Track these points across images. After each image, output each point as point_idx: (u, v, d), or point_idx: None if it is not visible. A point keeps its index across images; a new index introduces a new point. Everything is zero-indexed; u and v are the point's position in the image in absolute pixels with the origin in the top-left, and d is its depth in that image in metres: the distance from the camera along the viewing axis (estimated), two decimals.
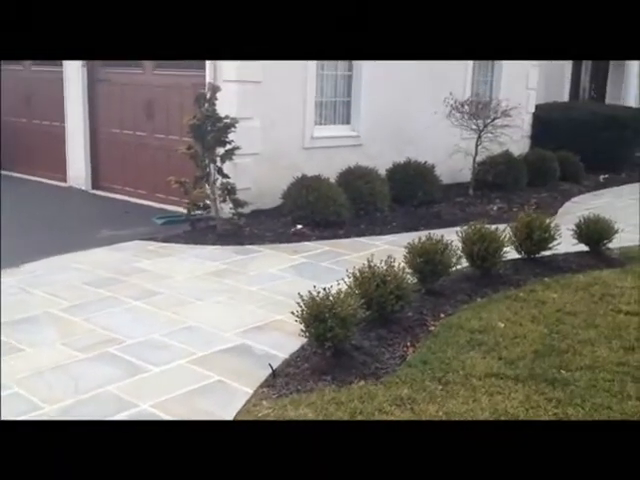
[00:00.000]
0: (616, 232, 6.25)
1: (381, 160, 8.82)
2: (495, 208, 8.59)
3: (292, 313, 3.93)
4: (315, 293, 3.98)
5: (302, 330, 3.92)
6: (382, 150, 9.12)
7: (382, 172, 8.62)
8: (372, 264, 4.59)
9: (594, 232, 6.20)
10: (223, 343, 4.21)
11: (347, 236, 7.11)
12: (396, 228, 7.48)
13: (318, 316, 3.87)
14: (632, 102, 14.01)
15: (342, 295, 4.03)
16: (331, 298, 3.97)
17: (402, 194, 8.49)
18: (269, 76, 7.68)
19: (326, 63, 8.56)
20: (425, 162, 8.86)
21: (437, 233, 6.13)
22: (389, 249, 6.26)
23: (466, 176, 9.65)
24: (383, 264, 4.59)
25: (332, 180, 7.92)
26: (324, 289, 4.02)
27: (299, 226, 7.19)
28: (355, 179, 7.92)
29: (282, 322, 4.52)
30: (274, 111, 7.84)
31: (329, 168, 8.17)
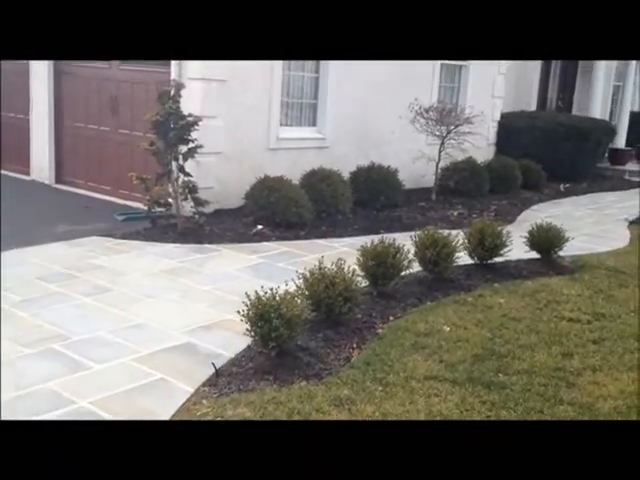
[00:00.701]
0: (566, 240, 6.41)
1: (346, 163, 8.91)
2: (455, 214, 8.73)
3: (238, 312, 3.98)
4: (262, 293, 4.05)
5: (247, 330, 3.97)
6: (348, 153, 9.21)
7: (347, 175, 8.72)
8: (322, 266, 4.66)
9: (545, 240, 6.35)
10: (169, 341, 4.25)
11: (307, 238, 7.18)
12: (357, 231, 7.56)
13: (263, 316, 3.92)
14: (597, 114, 14.30)
15: (289, 296, 4.09)
16: (277, 298, 4.04)
17: (365, 197, 8.59)
18: (235, 75, 7.71)
19: (293, 64, 8.62)
20: (389, 166, 8.96)
21: (397, 237, 6.27)
22: (347, 251, 6.35)
23: (429, 181, 9.79)
24: (334, 266, 4.67)
25: (297, 182, 7.98)
26: (271, 289, 4.07)
27: (260, 226, 7.23)
28: (318, 181, 7.98)
29: (232, 322, 4.55)
30: (239, 111, 7.88)
31: (294, 169, 8.24)
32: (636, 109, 17.30)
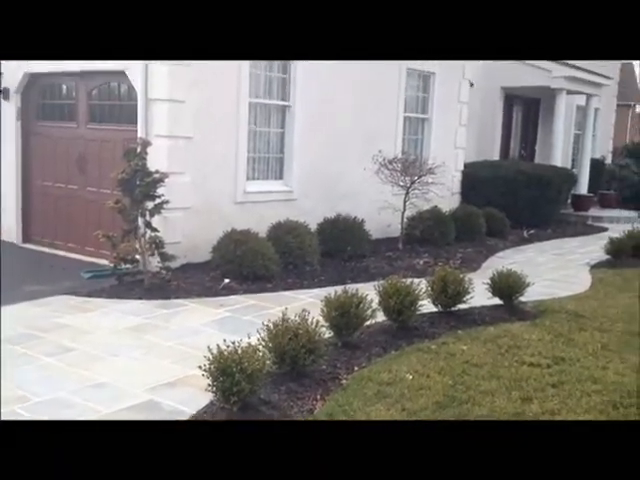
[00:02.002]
0: (527, 286, 6.54)
1: (313, 215, 9.05)
2: (421, 262, 8.87)
3: (199, 367, 3.99)
4: (224, 347, 4.07)
5: (209, 385, 3.98)
6: (315, 205, 9.36)
7: (314, 226, 8.85)
8: (286, 318, 4.71)
9: (506, 286, 6.49)
10: (131, 400, 4.22)
11: (275, 290, 7.22)
12: (324, 282, 7.63)
13: (225, 370, 3.95)
14: (558, 162, 14.72)
15: (251, 349, 4.12)
16: (239, 352, 4.07)
17: (332, 248, 8.70)
18: (201, 131, 7.88)
19: (259, 119, 8.82)
20: (355, 217, 9.12)
21: (364, 286, 6.38)
22: (314, 302, 6.38)
23: (396, 231, 9.96)
24: (297, 317, 4.72)
25: (264, 234, 8.08)
26: (233, 343, 4.10)
27: (227, 280, 7.27)
28: (285, 233, 8.08)
29: (195, 377, 4.53)
30: (206, 166, 8.01)
31: (261, 222, 8.35)
32: (596, 156, 17.88)
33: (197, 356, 4.91)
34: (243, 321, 6.01)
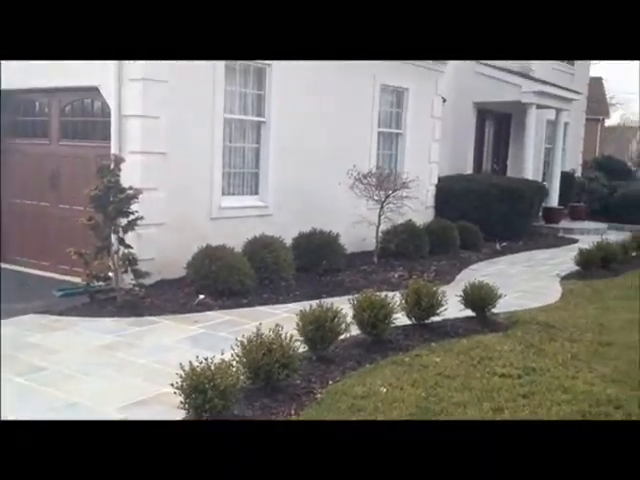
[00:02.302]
0: (499, 297, 6.64)
1: (289, 229, 9.09)
2: (396, 275, 8.94)
3: (171, 385, 3.99)
4: (197, 363, 4.08)
5: (181, 402, 3.98)
6: (290, 220, 9.40)
7: (290, 241, 8.88)
8: (260, 333, 4.72)
9: (479, 298, 6.57)
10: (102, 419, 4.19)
11: (250, 305, 7.23)
12: (299, 296, 7.66)
13: (197, 387, 3.95)
14: (530, 175, 14.96)
15: (224, 365, 4.13)
16: (212, 368, 4.07)
17: (307, 263, 8.74)
18: (175, 147, 7.89)
19: (234, 135, 8.87)
20: (330, 231, 9.17)
21: (339, 300, 6.42)
22: (289, 317, 6.39)
23: (371, 245, 10.03)
24: (272, 333, 4.73)
25: (239, 250, 8.08)
26: (205, 359, 4.11)
27: (202, 296, 7.25)
28: (260, 248, 8.10)
29: (168, 395, 4.50)
30: (181, 182, 8.01)
31: (237, 238, 8.35)
32: (567, 170, 18.21)
33: (170, 373, 4.88)
34: (218, 337, 6.01)
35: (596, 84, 30.81)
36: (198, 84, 8.06)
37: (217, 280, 7.31)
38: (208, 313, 6.83)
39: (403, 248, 10.03)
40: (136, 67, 7.43)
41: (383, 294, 6.03)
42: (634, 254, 11.50)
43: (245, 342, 4.65)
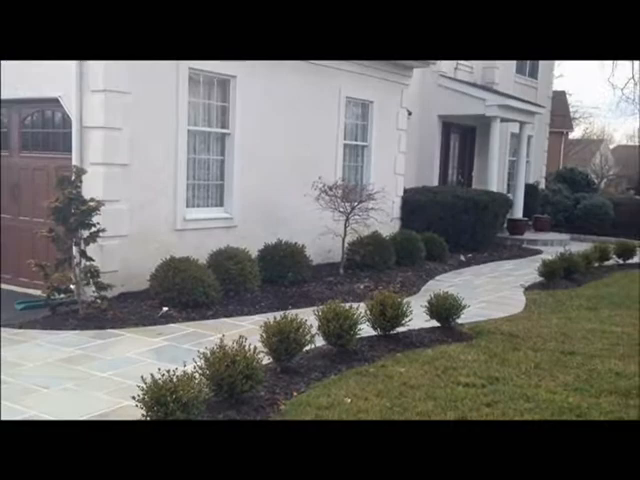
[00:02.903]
0: (464, 308, 6.68)
1: (254, 241, 9.06)
2: (362, 287, 8.95)
3: (133, 398, 3.91)
4: (159, 376, 4.01)
5: (143, 415, 3.90)
6: (256, 231, 9.37)
7: (255, 253, 8.84)
8: (223, 345, 4.67)
9: (444, 309, 6.61)
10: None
11: (215, 317, 7.17)
12: (265, 308, 7.62)
13: (159, 400, 3.88)
14: (494, 187, 15.16)
15: (186, 377, 4.07)
16: (175, 380, 4.01)
17: (273, 274, 8.70)
18: (138, 159, 7.81)
19: (198, 147, 8.81)
20: (296, 243, 9.15)
21: (305, 312, 6.39)
22: (254, 329, 6.35)
23: (337, 256, 10.04)
24: (235, 344, 4.69)
25: (204, 261, 8.02)
26: (167, 372, 4.04)
27: (166, 308, 7.17)
28: (225, 260, 8.05)
29: (130, 408, 4.44)
30: (144, 193, 7.92)
31: (202, 249, 8.30)
32: (531, 182, 18.51)
33: (132, 386, 4.81)
34: (182, 349, 5.93)
35: (560, 98, 31.50)
36: (161, 95, 8.01)
37: (181, 292, 7.23)
38: (172, 325, 6.75)
39: (369, 259, 10.05)
40: (97, 78, 7.35)
41: (348, 305, 6.03)
42: (596, 265, 11.72)
43: (208, 354, 4.60)
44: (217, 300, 7.52)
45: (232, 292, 7.93)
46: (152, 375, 4.00)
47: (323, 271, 9.75)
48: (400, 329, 6.40)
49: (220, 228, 9.01)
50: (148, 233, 8.02)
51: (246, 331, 6.31)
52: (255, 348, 4.80)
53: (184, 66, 8.18)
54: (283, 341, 5.27)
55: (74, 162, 7.40)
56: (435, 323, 6.77)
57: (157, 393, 3.91)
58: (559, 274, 10.06)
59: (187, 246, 8.28)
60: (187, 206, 8.62)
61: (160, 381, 3.99)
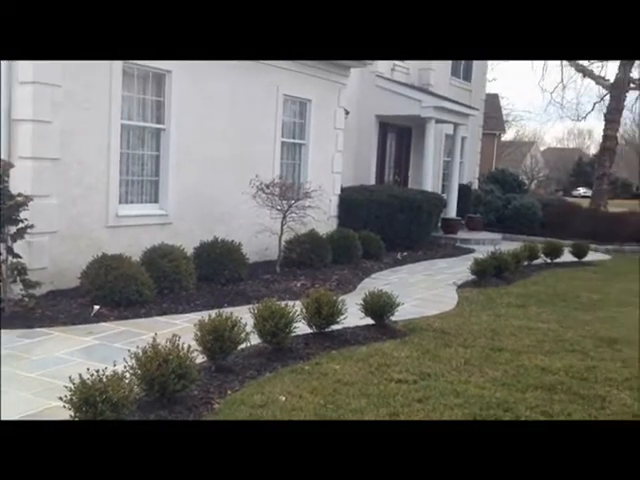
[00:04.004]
0: (398, 305, 6.80)
1: (191, 238, 8.95)
2: (298, 285, 8.97)
3: (60, 399, 3.81)
4: (88, 376, 3.92)
5: (71, 416, 3.81)
6: (192, 229, 9.26)
7: (191, 250, 8.74)
8: (155, 343, 4.60)
9: (378, 306, 6.70)
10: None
11: (148, 315, 7.04)
12: (200, 306, 7.53)
13: (88, 400, 3.80)
14: (429, 187, 15.47)
15: (116, 377, 3.99)
16: (104, 380, 3.93)
17: (209, 272, 8.62)
18: (70, 153, 7.59)
19: (132, 142, 8.64)
20: (232, 241, 9.09)
21: (241, 310, 6.35)
22: (188, 327, 6.28)
23: (274, 254, 10.03)
24: (168, 343, 4.63)
25: (138, 259, 7.87)
26: (97, 371, 3.96)
27: (97, 307, 6.99)
28: (159, 257, 7.92)
29: (58, 409, 4.32)
30: (75, 188, 7.71)
31: (136, 247, 8.14)
32: (464, 182, 18.97)
33: (61, 387, 4.69)
34: (113, 349, 5.80)
35: (493, 100, 32.39)
36: (94, 89, 7.80)
37: (113, 290, 7.08)
38: (103, 324, 6.60)
39: (306, 257, 10.09)
40: (27, 69, 7.10)
41: (284, 303, 6.03)
42: (525, 263, 12.11)
43: (140, 353, 4.52)
44: (151, 298, 7.39)
45: (167, 290, 7.81)
46: (81, 375, 3.90)
47: (260, 269, 9.73)
48: (335, 327, 6.45)
49: (155, 225, 8.86)
50: (79, 229, 7.81)
51: (180, 330, 6.23)
52: (189, 347, 4.75)
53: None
54: (218, 339, 5.23)
55: (2, 156, 7.12)
56: (370, 321, 6.86)
57: (86, 393, 3.82)
58: (490, 272, 10.35)
59: (120, 243, 8.11)
60: (120, 202, 8.43)
61: (89, 381, 3.90)
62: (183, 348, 4.64)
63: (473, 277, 10.30)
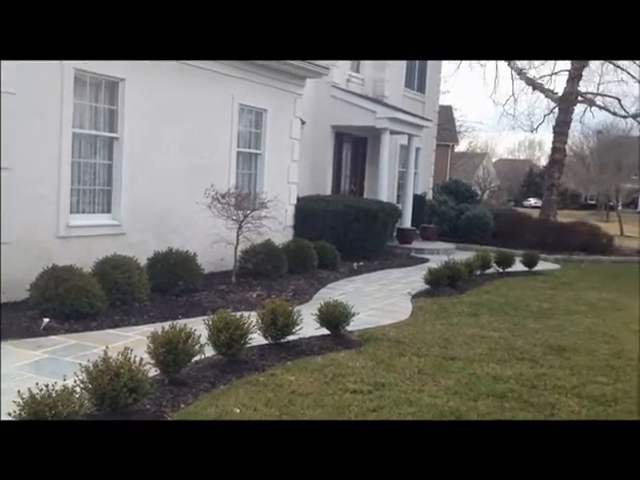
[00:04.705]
0: (353, 315, 6.84)
1: (145, 249, 8.84)
2: (254, 295, 8.93)
3: (9, 414, 3.71)
4: (37, 391, 3.83)
5: None
6: (145, 239, 9.14)
7: (145, 261, 8.62)
8: (107, 357, 4.52)
9: (333, 316, 6.73)
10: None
11: (100, 328, 6.91)
12: (153, 318, 7.43)
13: (37, 415, 3.71)
14: (384, 197, 15.62)
15: (66, 392, 3.91)
16: (54, 395, 3.85)
17: (163, 283, 8.52)
18: (19, 162, 7.41)
19: (84, 150, 8.49)
20: (187, 251, 9.01)
21: (196, 321, 6.29)
22: (141, 340, 6.18)
23: (230, 264, 9.97)
24: (120, 356, 4.55)
25: (89, 270, 7.72)
26: (46, 386, 3.87)
27: (47, 319, 6.83)
28: (112, 269, 7.79)
29: None
30: (24, 198, 7.53)
31: (88, 258, 7.99)
32: (419, 192, 19.22)
33: (8, 402, 4.57)
34: (63, 362, 5.68)
35: (446, 112, 32.97)
36: (45, 96, 7.66)
37: (64, 302, 6.93)
38: (53, 337, 6.45)
39: (262, 268, 10.06)
40: None
41: (240, 314, 6.01)
42: (478, 273, 12.33)
43: (91, 367, 4.44)
44: (102, 310, 7.26)
45: (119, 302, 7.68)
46: (29, 390, 3.80)
47: (215, 279, 9.66)
48: (291, 337, 6.45)
49: (107, 235, 8.72)
50: (29, 240, 7.63)
51: (133, 342, 6.14)
52: (141, 360, 4.68)
53: (69, 67, 7.86)
54: (171, 352, 5.17)
55: None
56: (326, 331, 6.88)
57: (34, 408, 3.74)
58: (443, 282, 10.50)
59: (71, 254, 7.95)
60: (72, 212, 8.28)
61: (38, 396, 3.81)
62: (135, 361, 4.57)
63: (427, 287, 10.42)
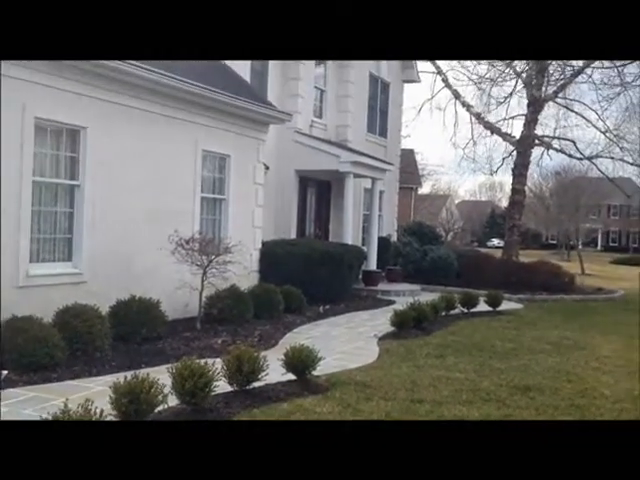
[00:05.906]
0: (319, 360, 6.79)
1: (106, 297, 8.68)
2: (219, 341, 8.83)
3: None
4: None
5: None
6: (107, 287, 8.99)
7: (107, 309, 8.48)
8: (67, 409, 4.39)
9: (299, 361, 6.67)
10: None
11: (60, 380, 6.74)
12: (115, 368, 7.27)
13: None
14: (349, 240, 15.70)
15: None
16: None
17: (125, 331, 8.37)
18: None
19: (44, 198, 8.40)
20: (150, 298, 8.89)
21: (159, 370, 6.16)
22: (103, 390, 6.04)
23: (194, 310, 9.86)
24: (80, 409, 4.43)
25: (50, 320, 7.56)
26: None
27: (5, 372, 6.62)
28: (72, 318, 7.64)
29: None
30: None
31: (48, 307, 7.82)
32: (383, 234, 19.39)
33: None
34: (22, 416, 5.49)
35: (408, 156, 33.59)
36: (4, 144, 7.59)
37: (23, 354, 6.75)
38: (11, 390, 6.25)
39: (227, 313, 9.97)
40: None
41: (204, 361, 5.91)
42: (443, 314, 12.40)
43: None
44: (63, 361, 7.09)
45: (80, 352, 7.51)
46: None
47: (180, 326, 9.53)
48: (257, 384, 6.36)
49: (68, 284, 8.56)
50: None
51: (94, 393, 5.99)
52: (102, 411, 4.56)
53: (30, 115, 7.83)
54: (133, 402, 5.05)
55: None
56: (292, 376, 6.81)
57: None
58: (409, 324, 10.52)
59: (31, 303, 7.77)
60: (31, 261, 8.13)
61: None
62: (96, 413, 4.45)
63: (393, 329, 10.43)
